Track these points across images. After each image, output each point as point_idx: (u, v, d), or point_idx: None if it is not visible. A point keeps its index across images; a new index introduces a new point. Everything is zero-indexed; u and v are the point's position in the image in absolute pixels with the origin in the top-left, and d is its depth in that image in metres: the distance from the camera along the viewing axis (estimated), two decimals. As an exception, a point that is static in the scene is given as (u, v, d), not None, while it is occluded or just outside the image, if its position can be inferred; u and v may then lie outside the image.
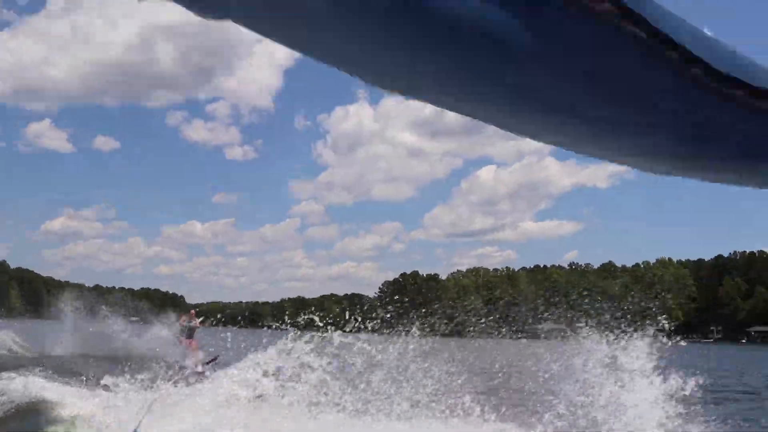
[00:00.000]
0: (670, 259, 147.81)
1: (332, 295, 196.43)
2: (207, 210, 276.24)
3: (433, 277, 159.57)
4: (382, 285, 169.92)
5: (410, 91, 1.33)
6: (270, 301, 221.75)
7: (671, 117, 1.38)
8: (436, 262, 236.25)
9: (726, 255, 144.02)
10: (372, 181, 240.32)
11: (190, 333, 26.10)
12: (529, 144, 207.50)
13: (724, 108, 1.39)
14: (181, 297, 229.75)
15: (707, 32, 1.41)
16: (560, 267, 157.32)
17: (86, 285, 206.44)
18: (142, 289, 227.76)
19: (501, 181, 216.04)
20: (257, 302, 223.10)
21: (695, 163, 1.60)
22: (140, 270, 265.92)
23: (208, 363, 22.87)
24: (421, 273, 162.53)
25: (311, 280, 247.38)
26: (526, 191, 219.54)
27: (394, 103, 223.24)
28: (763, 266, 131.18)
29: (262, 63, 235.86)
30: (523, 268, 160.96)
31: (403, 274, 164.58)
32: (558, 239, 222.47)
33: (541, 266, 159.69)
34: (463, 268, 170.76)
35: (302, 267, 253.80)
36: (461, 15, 1.09)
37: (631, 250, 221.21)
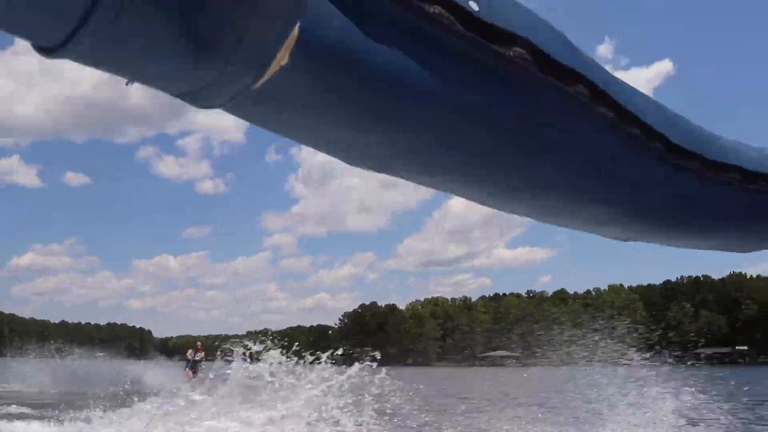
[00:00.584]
0: (621, 285, 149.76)
1: (299, 326, 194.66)
2: (179, 243, 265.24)
3: (392, 307, 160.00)
4: (342, 316, 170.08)
5: (383, 168, 1.28)
6: (238, 333, 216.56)
7: (633, 188, 1.39)
8: (410, 291, 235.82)
9: (674, 280, 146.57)
10: (344, 213, 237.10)
11: (194, 365, 25.54)
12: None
13: (679, 178, 1.41)
14: (149, 331, 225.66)
15: (668, 108, 1.41)
16: (518, 295, 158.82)
17: (52, 321, 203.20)
18: (109, 324, 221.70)
19: (472, 210, 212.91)
20: (225, 335, 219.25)
21: (654, 230, 1.63)
22: (112, 304, 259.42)
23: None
24: (379, 303, 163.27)
25: (285, 312, 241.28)
26: (498, 219, 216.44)
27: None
28: (708, 290, 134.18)
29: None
30: (482, 297, 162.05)
31: (362, 305, 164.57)
32: (532, 265, 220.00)
33: (500, 294, 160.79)
34: (437, 296, 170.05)
35: (276, 299, 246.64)
36: (435, 92, 1.08)
37: (603, 275, 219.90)
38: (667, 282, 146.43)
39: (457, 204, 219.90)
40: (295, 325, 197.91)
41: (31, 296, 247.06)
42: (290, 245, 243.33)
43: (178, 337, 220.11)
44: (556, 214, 1.57)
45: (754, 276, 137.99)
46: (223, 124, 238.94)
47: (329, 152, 1.22)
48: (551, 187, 1.37)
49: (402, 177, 1.34)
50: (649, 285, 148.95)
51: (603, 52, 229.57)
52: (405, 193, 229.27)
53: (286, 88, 0.98)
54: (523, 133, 1.19)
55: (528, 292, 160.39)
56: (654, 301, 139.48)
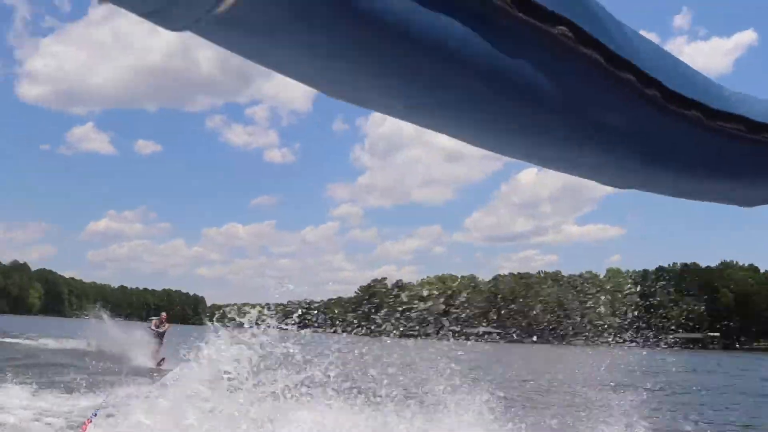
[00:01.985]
0: (618, 268, 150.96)
1: (339, 297, 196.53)
2: (247, 212, 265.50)
3: (399, 283, 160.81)
4: (358, 289, 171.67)
5: (362, 100, 1.20)
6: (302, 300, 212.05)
7: (628, 135, 1.31)
8: (476, 265, 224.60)
9: (666, 266, 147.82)
10: (411, 185, 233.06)
11: (160, 337, 24.34)
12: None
13: (678, 128, 1.33)
14: (202, 298, 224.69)
15: (666, 51, 1.33)
16: (525, 274, 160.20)
17: (111, 286, 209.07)
18: (164, 290, 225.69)
19: (542, 185, 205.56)
20: (289, 302, 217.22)
21: (653, 179, 1.53)
22: (182, 271, 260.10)
23: (159, 364, 22.38)
24: (388, 279, 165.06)
25: (352, 283, 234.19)
26: (568, 194, 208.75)
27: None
28: (693, 277, 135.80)
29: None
30: (500, 275, 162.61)
31: (374, 279, 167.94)
32: (601, 243, 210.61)
33: (501, 275, 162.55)
34: (505, 272, 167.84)
35: (343, 270, 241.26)
36: (419, 28, 1.00)
37: (674, 254, 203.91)
38: (660, 267, 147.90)
39: (526, 177, 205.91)
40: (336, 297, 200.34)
41: (106, 262, 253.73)
42: (357, 216, 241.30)
43: (236, 304, 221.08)
44: (547, 159, 1.48)
45: (745, 266, 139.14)
46: (290, 94, 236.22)
47: (302, 81, 1.16)
48: (539, 131, 1.26)
49: (379, 111, 1.26)
50: (644, 270, 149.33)
51: (679, 23, 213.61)
52: (471, 165, 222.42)
53: (254, 12, 0.90)
54: (501, 72, 1.09)
55: (539, 272, 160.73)
56: (645, 285, 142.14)
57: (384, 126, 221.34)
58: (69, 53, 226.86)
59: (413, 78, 1.09)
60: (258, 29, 0.97)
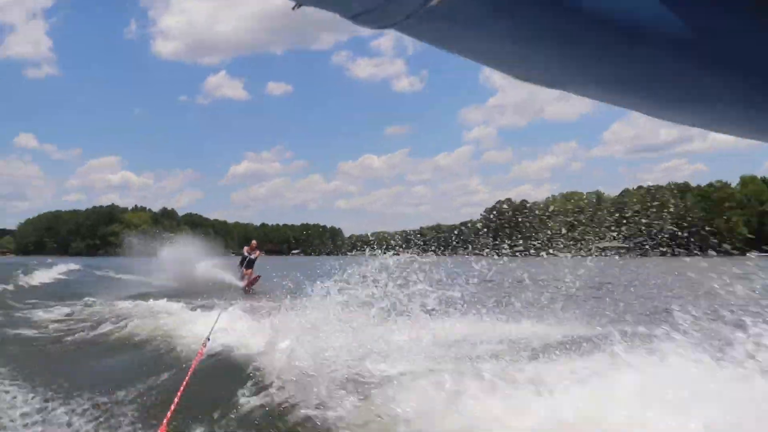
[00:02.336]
0: (754, 176, 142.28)
1: (469, 221, 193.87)
2: (380, 143, 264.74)
3: (524, 203, 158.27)
4: (485, 211, 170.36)
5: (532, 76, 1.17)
6: (418, 227, 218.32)
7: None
8: (618, 179, 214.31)
9: None
10: (543, 101, 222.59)
11: (249, 263, 25.86)
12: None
13: None
14: (339, 229, 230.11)
15: None
16: (654, 186, 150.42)
17: (253, 224, 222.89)
18: (302, 224, 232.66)
19: None
20: (405, 230, 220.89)
21: None
22: (320, 205, 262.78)
23: (252, 283, 24.87)
24: (513, 199, 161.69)
25: (488, 204, 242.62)
26: None
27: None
28: None
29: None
30: (628, 189, 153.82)
31: (499, 201, 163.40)
32: (753, 149, 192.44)
33: (628, 189, 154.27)
34: (636, 185, 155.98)
35: (478, 192, 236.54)
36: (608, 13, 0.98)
37: None
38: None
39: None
40: (466, 219, 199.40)
41: (249, 202, 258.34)
42: (490, 138, 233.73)
43: (373, 233, 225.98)
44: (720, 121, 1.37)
45: None
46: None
47: (501, 69, 1.11)
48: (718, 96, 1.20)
49: (572, 92, 1.20)
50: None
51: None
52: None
53: (462, 4, 0.89)
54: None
55: (671, 183, 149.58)
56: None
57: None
58: (196, 7, 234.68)
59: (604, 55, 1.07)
60: (464, 21, 0.99)
